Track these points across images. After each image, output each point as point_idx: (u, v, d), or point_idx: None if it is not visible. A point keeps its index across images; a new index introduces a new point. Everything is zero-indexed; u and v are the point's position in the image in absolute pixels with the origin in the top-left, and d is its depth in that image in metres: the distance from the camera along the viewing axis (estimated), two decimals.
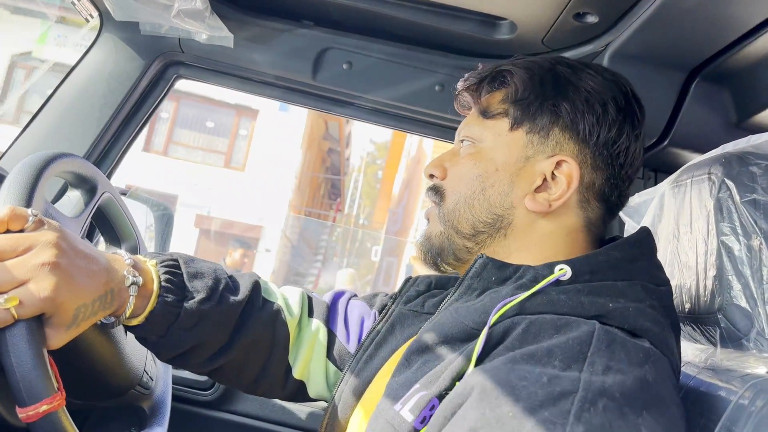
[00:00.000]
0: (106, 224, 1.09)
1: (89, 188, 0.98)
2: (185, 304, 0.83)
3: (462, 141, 0.90)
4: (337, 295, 1.08)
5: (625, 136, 0.84)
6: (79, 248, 0.71)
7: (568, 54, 1.22)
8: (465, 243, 0.86)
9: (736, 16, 0.98)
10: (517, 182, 0.83)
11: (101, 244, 1.15)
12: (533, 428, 0.58)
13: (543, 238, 0.83)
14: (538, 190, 0.83)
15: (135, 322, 0.81)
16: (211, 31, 1.29)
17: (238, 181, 12.60)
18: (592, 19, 1.09)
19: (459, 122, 1.39)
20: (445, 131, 1.45)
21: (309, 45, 1.36)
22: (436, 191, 0.90)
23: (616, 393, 0.60)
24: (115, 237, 1.11)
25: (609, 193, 0.84)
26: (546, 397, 0.60)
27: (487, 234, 0.84)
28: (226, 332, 0.90)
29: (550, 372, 0.62)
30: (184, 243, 11.87)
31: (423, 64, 1.36)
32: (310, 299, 1.05)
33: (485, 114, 0.87)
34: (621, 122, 0.83)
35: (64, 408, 0.66)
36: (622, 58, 1.15)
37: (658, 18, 1.01)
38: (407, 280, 1.00)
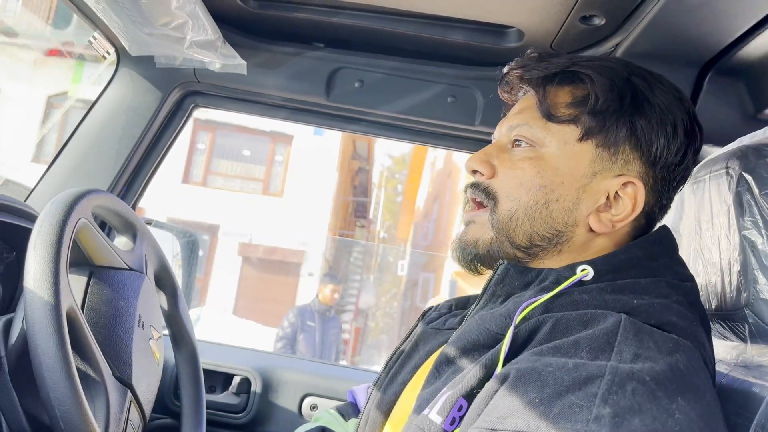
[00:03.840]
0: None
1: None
2: None
3: (516, 141, 0.84)
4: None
5: (687, 162, 0.81)
6: None
7: None
8: (516, 253, 0.81)
9: (744, 7, 0.97)
10: (583, 199, 0.79)
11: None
12: (560, 412, 0.57)
13: (595, 255, 0.80)
14: (600, 209, 0.79)
15: None
16: (224, 60, 1.31)
17: (277, 207, 12.63)
18: (598, 21, 1.09)
19: (472, 132, 1.40)
20: (459, 141, 1.45)
21: (321, 66, 1.38)
22: (487, 193, 0.83)
23: (646, 377, 0.59)
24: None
25: (657, 212, 0.83)
26: (572, 382, 0.59)
27: (542, 248, 0.80)
28: None
29: (577, 361, 0.62)
30: (228, 271, 11.99)
31: (434, 77, 1.37)
32: None
33: (551, 117, 0.80)
34: (687, 146, 0.80)
35: None
36: (632, 58, 1.14)
37: (665, 15, 1.01)
38: (429, 309, 0.99)
